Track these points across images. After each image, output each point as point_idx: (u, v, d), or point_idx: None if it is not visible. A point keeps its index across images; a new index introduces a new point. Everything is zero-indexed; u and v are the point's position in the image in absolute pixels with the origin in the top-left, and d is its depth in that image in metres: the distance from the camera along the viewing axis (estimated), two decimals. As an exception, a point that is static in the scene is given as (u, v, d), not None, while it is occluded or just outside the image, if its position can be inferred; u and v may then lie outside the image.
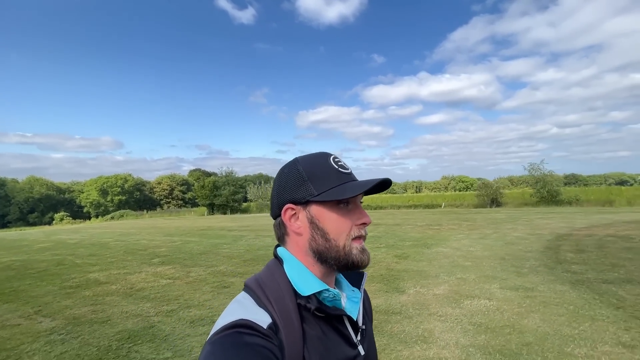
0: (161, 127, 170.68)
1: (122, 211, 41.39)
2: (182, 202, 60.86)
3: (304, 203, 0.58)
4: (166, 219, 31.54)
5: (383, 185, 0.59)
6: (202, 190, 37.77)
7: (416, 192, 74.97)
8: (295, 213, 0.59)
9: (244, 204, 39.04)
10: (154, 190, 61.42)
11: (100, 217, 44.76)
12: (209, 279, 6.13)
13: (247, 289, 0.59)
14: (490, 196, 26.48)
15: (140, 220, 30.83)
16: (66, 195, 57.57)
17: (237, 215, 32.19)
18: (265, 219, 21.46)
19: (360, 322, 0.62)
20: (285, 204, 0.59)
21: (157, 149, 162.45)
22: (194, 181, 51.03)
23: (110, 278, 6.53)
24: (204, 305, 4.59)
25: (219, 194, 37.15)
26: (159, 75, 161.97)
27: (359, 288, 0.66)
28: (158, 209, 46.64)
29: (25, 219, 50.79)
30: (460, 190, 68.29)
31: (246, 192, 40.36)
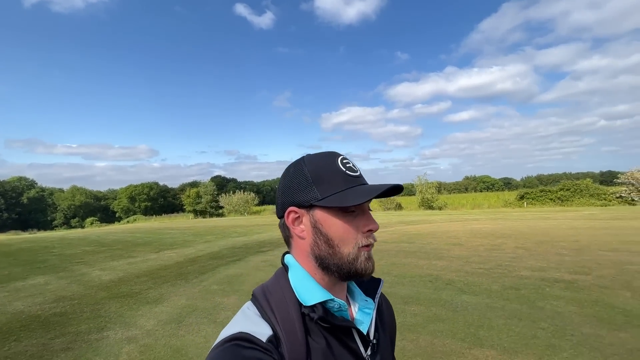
0: (191, 134, 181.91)
1: (135, 216, 48.86)
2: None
3: (308, 207, 0.56)
4: (160, 222, 36.02)
5: (393, 190, 0.55)
6: (188, 198, 45.94)
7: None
8: (298, 216, 0.57)
9: (220, 210, 44.11)
10: (177, 196, 67.06)
11: (122, 220, 51.21)
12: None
13: (254, 298, 0.57)
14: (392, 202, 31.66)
15: (140, 223, 36.48)
16: (102, 203, 64.90)
17: (204, 219, 38.23)
18: (188, 222, 23.98)
19: (371, 336, 0.58)
20: (288, 207, 0.57)
21: (189, 156, 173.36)
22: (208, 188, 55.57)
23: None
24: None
25: (200, 202, 44.47)
26: (186, 85, 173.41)
27: (373, 298, 0.62)
28: (175, 214, 51.45)
29: (68, 223, 58.17)
30: (481, 191, 66.41)
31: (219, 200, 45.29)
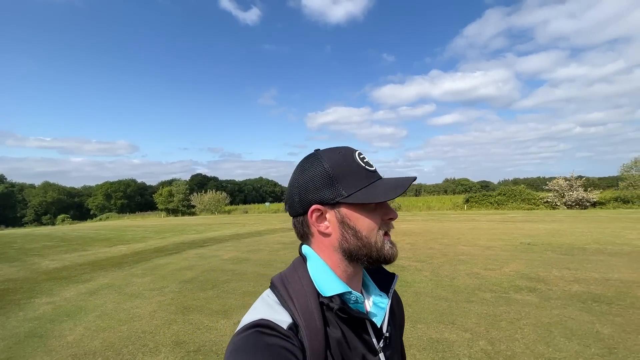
0: (173, 130, 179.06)
1: (108, 213, 50.14)
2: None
3: (333, 204, 0.57)
4: (132, 220, 36.94)
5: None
6: (160, 197, 47.26)
7: (415, 195, 76.61)
8: (321, 213, 0.58)
9: (192, 209, 45.30)
10: (155, 194, 66.91)
11: (94, 218, 51.23)
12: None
13: (272, 286, 0.59)
14: None
15: (111, 221, 37.24)
16: (76, 199, 63.96)
17: (175, 217, 40.50)
18: (157, 220, 24.90)
19: (384, 329, 0.60)
20: (312, 205, 0.58)
21: (171, 152, 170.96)
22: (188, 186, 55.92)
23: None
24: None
25: (172, 200, 45.97)
26: (168, 79, 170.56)
27: (387, 292, 0.64)
28: (149, 212, 51.59)
29: (39, 220, 57.12)
30: (459, 193, 69.33)
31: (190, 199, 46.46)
